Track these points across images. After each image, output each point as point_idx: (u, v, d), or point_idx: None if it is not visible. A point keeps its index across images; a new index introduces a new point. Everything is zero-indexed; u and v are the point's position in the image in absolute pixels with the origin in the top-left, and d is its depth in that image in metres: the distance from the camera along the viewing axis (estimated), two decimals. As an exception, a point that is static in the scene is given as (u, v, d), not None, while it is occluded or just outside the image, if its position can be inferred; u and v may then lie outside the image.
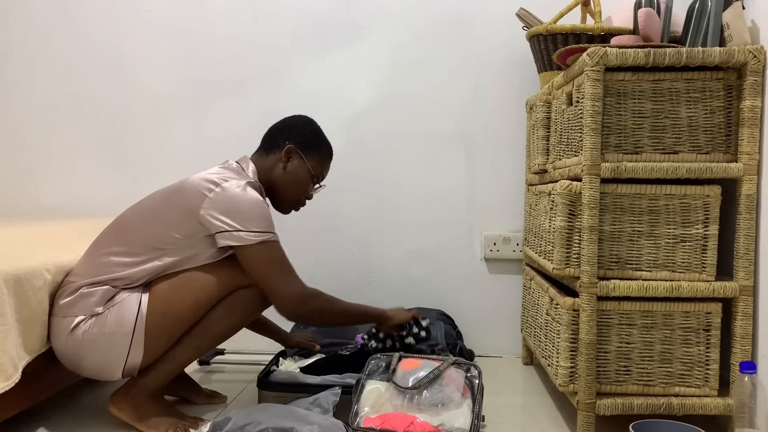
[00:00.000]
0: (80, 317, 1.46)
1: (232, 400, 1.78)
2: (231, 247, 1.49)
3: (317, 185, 1.74)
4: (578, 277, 1.46)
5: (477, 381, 1.46)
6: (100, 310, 1.47)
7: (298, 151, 1.66)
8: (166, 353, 1.50)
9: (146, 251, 1.50)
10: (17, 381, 1.34)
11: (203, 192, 1.50)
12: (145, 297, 1.48)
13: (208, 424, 1.38)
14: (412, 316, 1.70)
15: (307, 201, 1.73)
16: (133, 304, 1.46)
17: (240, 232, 1.46)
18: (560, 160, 1.65)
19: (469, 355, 2.02)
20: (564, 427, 1.60)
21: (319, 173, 1.71)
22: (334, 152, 1.75)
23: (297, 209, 1.74)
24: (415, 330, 1.68)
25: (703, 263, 1.45)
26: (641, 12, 1.52)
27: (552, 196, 1.58)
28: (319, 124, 1.73)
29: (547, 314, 1.65)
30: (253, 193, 1.51)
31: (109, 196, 2.28)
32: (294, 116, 1.74)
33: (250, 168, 1.63)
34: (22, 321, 1.40)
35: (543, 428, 1.60)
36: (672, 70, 1.45)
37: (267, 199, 1.69)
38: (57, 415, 1.67)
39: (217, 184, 1.51)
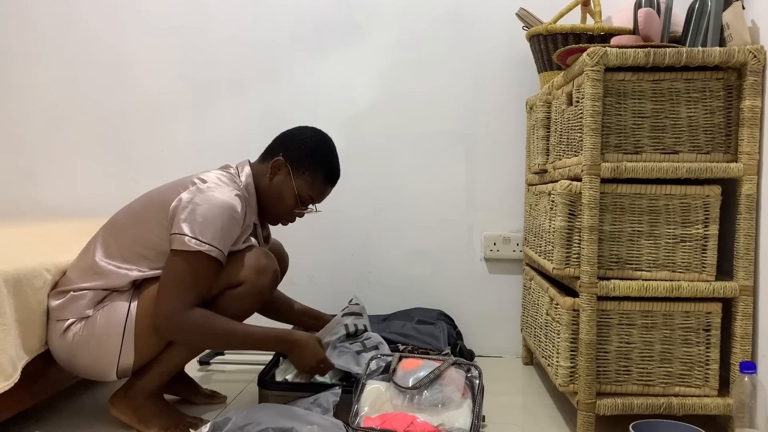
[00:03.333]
0: (71, 320, 1.46)
1: (232, 400, 1.78)
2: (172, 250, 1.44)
3: (305, 209, 1.63)
4: (578, 277, 1.46)
5: (477, 381, 1.46)
6: (90, 312, 1.47)
7: (287, 165, 1.57)
8: (162, 354, 1.50)
9: (130, 257, 1.50)
10: (17, 381, 1.34)
11: (180, 190, 1.49)
12: (135, 298, 1.48)
13: (208, 424, 1.38)
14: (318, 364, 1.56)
15: (297, 218, 1.65)
16: (123, 305, 1.47)
17: (185, 237, 1.41)
18: (560, 160, 1.65)
19: (469, 355, 2.02)
20: (564, 427, 1.60)
21: (306, 196, 1.59)
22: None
23: (284, 224, 1.66)
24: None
25: (703, 263, 1.45)
26: (641, 12, 1.52)
27: (552, 196, 1.58)
28: (318, 124, 1.69)
29: (547, 314, 1.65)
30: (224, 203, 1.44)
31: (109, 196, 2.27)
32: (302, 127, 1.64)
33: (245, 173, 1.59)
34: (22, 321, 1.40)
35: (543, 428, 1.60)
36: (672, 70, 1.45)
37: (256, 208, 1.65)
38: (57, 415, 1.67)
39: (194, 184, 1.50)
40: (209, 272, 1.45)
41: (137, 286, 1.51)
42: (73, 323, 1.46)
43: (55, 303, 1.48)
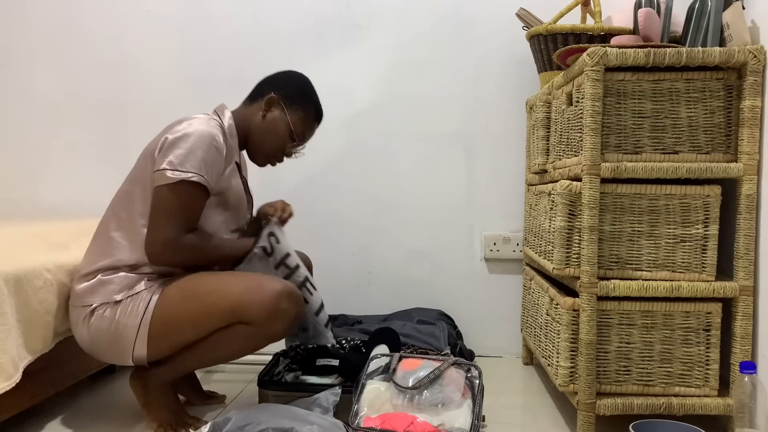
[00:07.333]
0: (98, 302, 1.47)
1: (232, 400, 1.78)
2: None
3: (297, 146, 1.68)
4: (578, 277, 1.46)
5: (477, 381, 1.46)
6: (119, 297, 1.47)
7: (280, 102, 1.61)
8: (177, 355, 1.50)
9: (140, 219, 1.49)
10: (18, 381, 1.34)
11: (164, 133, 1.51)
12: (156, 295, 1.47)
13: (208, 424, 1.38)
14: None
15: (285, 158, 1.69)
16: (144, 300, 1.47)
17: (166, 171, 1.43)
18: (560, 160, 1.65)
19: (469, 355, 2.02)
20: (564, 427, 1.60)
21: (299, 131, 1.64)
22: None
23: (273, 164, 1.69)
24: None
25: (703, 263, 1.45)
26: (641, 12, 1.52)
27: (552, 196, 1.58)
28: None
29: (547, 314, 1.65)
30: (202, 131, 1.46)
31: (109, 196, 2.24)
32: (288, 70, 1.70)
33: (226, 116, 1.61)
34: (23, 321, 1.40)
35: (543, 428, 1.60)
36: (672, 70, 1.45)
37: (243, 152, 1.67)
38: (57, 415, 1.67)
39: (172, 127, 1.51)
40: (196, 199, 1.46)
41: (167, 280, 1.50)
42: (97, 307, 1.47)
43: (80, 287, 1.49)
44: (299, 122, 1.64)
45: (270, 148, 1.64)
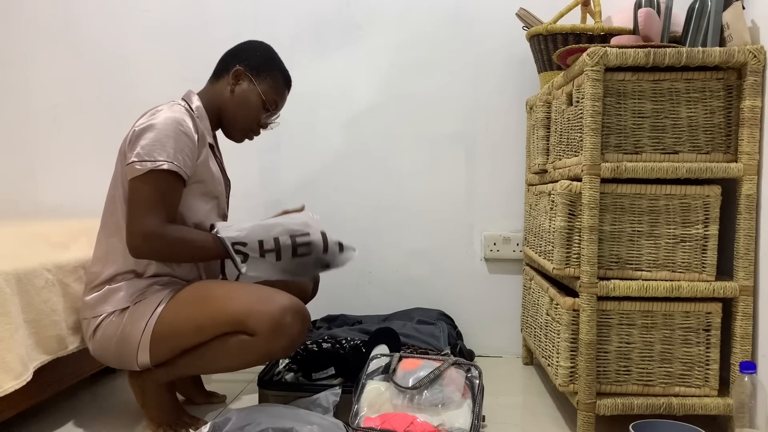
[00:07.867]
0: (109, 310, 1.47)
1: (232, 400, 1.78)
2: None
3: (271, 115, 1.66)
4: (578, 277, 1.46)
5: (477, 381, 1.46)
6: (128, 303, 1.47)
7: (247, 74, 1.60)
8: (175, 358, 1.49)
9: (124, 219, 1.48)
10: (28, 380, 1.34)
11: (131, 128, 1.50)
12: (165, 302, 1.46)
13: (208, 425, 1.38)
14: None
15: (261, 130, 1.67)
16: (153, 305, 1.46)
17: (135, 164, 1.42)
18: (560, 160, 1.65)
19: (469, 355, 2.02)
20: (564, 427, 1.60)
21: (272, 100, 1.63)
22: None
23: (250, 138, 1.67)
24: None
25: (703, 263, 1.46)
26: (641, 12, 1.53)
27: (552, 196, 1.58)
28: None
29: (547, 314, 1.65)
30: (166, 118, 1.45)
31: (109, 196, 2.27)
32: (249, 40, 1.67)
33: (193, 98, 1.60)
34: (30, 321, 1.40)
35: (543, 428, 1.60)
36: (672, 70, 1.45)
37: (218, 130, 1.66)
38: (57, 415, 1.67)
39: (144, 114, 1.50)
40: (170, 186, 1.44)
41: (177, 288, 1.50)
42: (107, 315, 1.47)
43: (89, 298, 1.49)
44: (270, 91, 1.62)
45: (245, 122, 1.63)
